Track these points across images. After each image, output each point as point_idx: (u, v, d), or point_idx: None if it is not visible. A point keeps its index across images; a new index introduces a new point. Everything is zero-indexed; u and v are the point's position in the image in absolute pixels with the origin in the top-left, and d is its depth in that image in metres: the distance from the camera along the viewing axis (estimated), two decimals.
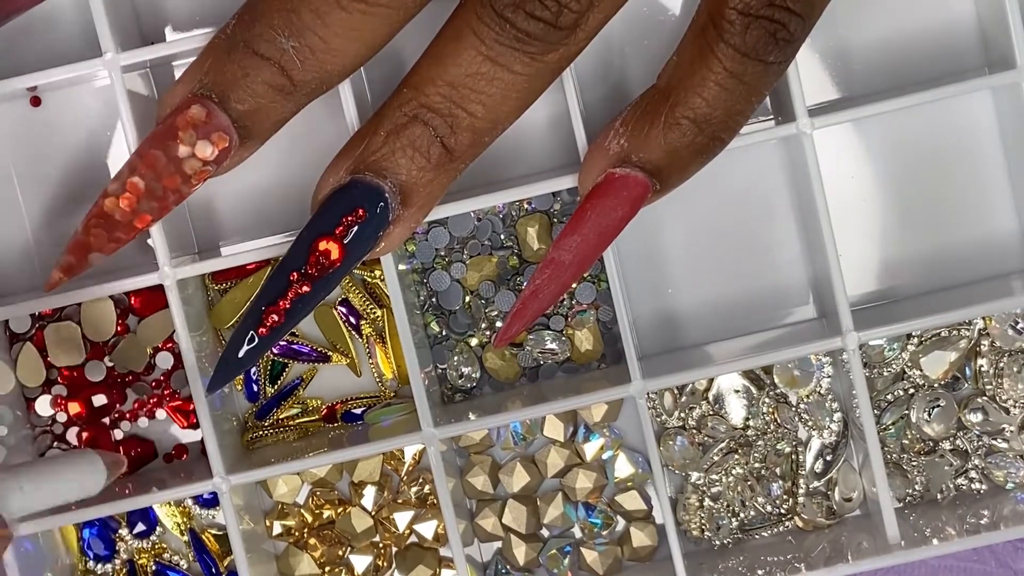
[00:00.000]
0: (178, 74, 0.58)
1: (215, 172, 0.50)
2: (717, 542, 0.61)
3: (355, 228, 0.49)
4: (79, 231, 0.50)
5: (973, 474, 0.61)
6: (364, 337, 0.60)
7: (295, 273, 0.49)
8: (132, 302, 0.60)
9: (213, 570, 0.61)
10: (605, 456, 0.61)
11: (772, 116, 0.58)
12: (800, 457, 0.61)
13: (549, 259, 0.51)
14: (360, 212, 0.49)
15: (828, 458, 0.60)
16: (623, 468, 0.61)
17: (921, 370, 0.60)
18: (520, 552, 0.61)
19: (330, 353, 0.60)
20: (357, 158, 0.49)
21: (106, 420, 0.61)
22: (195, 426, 0.61)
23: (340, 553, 0.62)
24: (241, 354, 0.50)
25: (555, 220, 0.60)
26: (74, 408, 0.60)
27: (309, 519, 0.62)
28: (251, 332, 0.49)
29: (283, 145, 0.58)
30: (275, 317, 0.49)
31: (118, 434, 0.61)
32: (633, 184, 0.50)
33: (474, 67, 0.47)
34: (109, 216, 0.50)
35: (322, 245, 0.49)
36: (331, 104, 0.54)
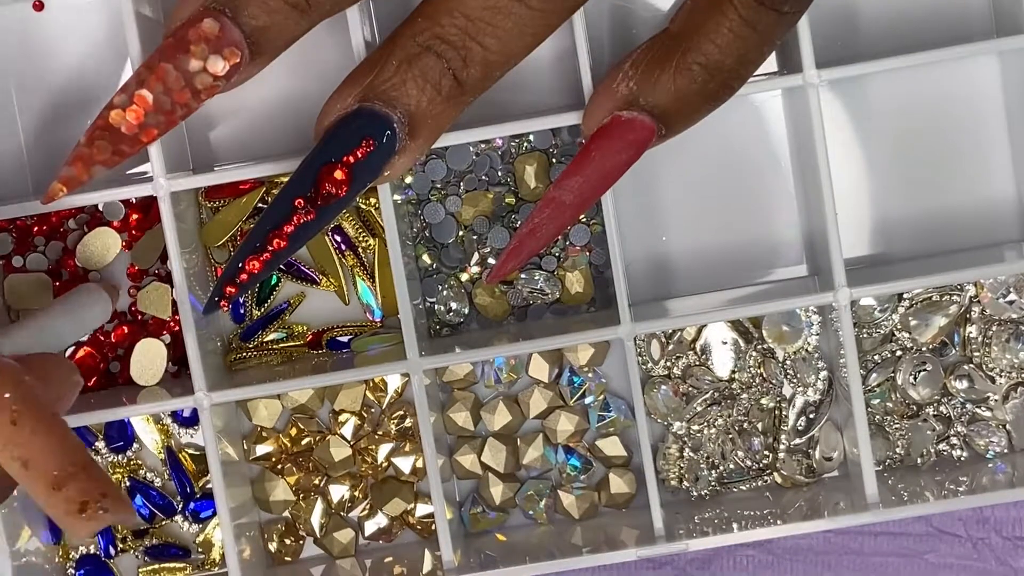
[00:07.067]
0: None
1: (223, 88, 0.50)
2: (695, 493, 0.61)
3: (362, 156, 0.49)
4: (82, 143, 0.48)
5: (955, 440, 0.61)
6: (350, 268, 0.60)
7: (300, 199, 0.49)
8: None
9: (188, 490, 0.61)
10: (588, 400, 0.61)
11: (777, 70, 0.58)
12: (783, 413, 0.61)
13: (549, 198, 0.50)
14: (368, 141, 0.48)
15: (811, 416, 0.60)
16: (606, 413, 0.61)
17: (910, 333, 0.60)
18: (497, 491, 0.61)
19: (319, 276, 0.60)
20: (367, 86, 0.49)
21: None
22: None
23: (316, 482, 0.61)
24: (241, 277, 0.49)
25: (554, 160, 0.59)
26: None
27: (288, 444, 0.61)
28: (252, 258, 0.49)
29: (283, 65, 0.57)
30: (279, 242, 0.48)
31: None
32: (639, 127, 0.50)
33: (492, 0, 0.47)
34: (114, 128, 0.48)
35: (328, 172, 0.49)
36: (335, 27, 0.54)
